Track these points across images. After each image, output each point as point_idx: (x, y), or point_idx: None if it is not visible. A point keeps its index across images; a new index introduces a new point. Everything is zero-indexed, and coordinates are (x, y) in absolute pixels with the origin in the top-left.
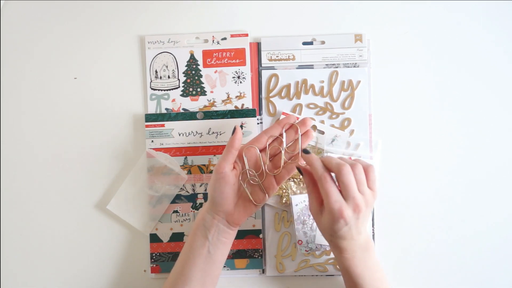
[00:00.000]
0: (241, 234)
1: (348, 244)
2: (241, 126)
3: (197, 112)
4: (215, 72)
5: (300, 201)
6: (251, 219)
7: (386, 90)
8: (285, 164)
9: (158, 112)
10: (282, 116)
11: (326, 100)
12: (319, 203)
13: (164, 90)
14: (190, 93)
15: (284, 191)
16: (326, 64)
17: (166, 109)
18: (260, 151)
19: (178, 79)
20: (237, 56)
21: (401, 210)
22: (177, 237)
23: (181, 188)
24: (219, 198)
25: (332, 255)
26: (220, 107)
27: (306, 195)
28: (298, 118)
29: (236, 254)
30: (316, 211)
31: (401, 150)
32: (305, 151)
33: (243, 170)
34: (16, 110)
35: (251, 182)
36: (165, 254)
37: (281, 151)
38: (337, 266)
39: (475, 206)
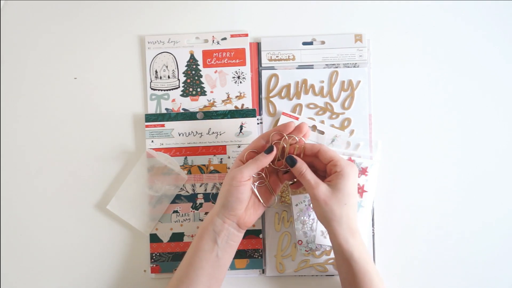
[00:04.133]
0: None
1: (356, 222)
2: (241, 127)
3: (197, 112)
4: (215, 72)
5: (300, 201)
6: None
7: (386, 90)
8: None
9: (158, 112)
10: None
11: (326, 100)
12: (320, 179)
13: (164, 90)
14: (190, 93)
15: (284, 191)
16: (326, 64)
17: (166, 109)
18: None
19: (178, 79)
20: (237, 56)
21: (401, 210)
22: (177, 237)
23: (181, 188)
24: (233, 203)
25: (332, 255)
26: (220, 107)
27: (306, 195)
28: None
29: (236, 254)
30: (322, 187)
31: (401, 150)
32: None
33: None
34: (16, 110)
35: (258, 185)
36: (165, 254)
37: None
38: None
39: (475, 206)
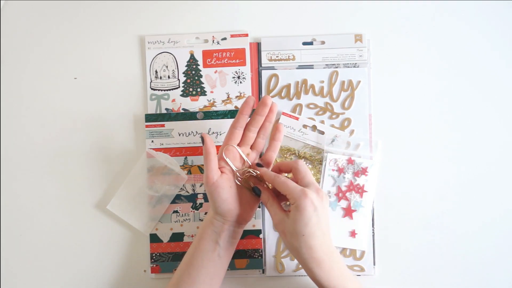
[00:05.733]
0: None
1: (323, 249)
2: None
3: (197, 112)
4: (215, 72)
5: None
6: (251, 219)
7: (386, 90)
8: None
9: (158, 112)
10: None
11: (326, 100)
12: (281, 211)
13: (164, 90)
14: (190, 93)
15: None
16: (326, 64)
17: (166, 109)
18: (239, 144)
19: (178, 79)
20: (237, 56)
21: (401, 209)
22: (177, 237)
23: (181, 188)
24: (222, 206)
25: None
26: (220, 107)
27: None
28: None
29: (236, 254)
30: (281, 219)
31: (401, 150)
32: (258, 165)
33: (235, 171)
34: (16, 110)
35: (246, 178)
36: (165, 254)
37: (257, 138)
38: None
39: (475, 205)
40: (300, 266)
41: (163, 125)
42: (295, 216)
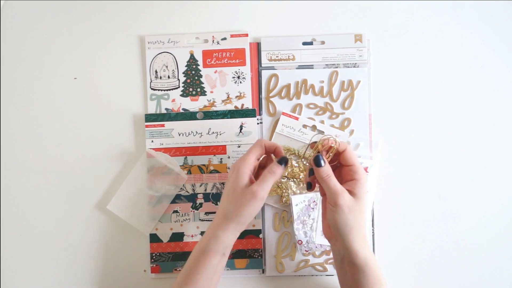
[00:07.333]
0: (241, 234)
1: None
2: (241, 127)
3: (197, 112)
4: (215, 72)
5: (300, 201)
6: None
7: (386, 90)
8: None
9: (158, 112)
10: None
11: (326, 100)
12: (340, 185)
13: (164, 90)
14: (190, 93)
15: (284, 191)
16: (326, 64)
17: (166, 109)
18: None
19: (178, 79)
20: (237, 56)
21: (401, 209)
22: (177, 237)
23: (181, 188)
24: (250, 218)
25: (331, 255)
26: (220, 107)
27: (306, 195)
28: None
29: (236, 254)
30: (343, 192)
31: (401, 150)
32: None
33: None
34: (16, 110)
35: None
36: (165, 254)
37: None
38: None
39: (475, 205)
40: (301, 266)
41: (163, 125)
42: (361, 193)
